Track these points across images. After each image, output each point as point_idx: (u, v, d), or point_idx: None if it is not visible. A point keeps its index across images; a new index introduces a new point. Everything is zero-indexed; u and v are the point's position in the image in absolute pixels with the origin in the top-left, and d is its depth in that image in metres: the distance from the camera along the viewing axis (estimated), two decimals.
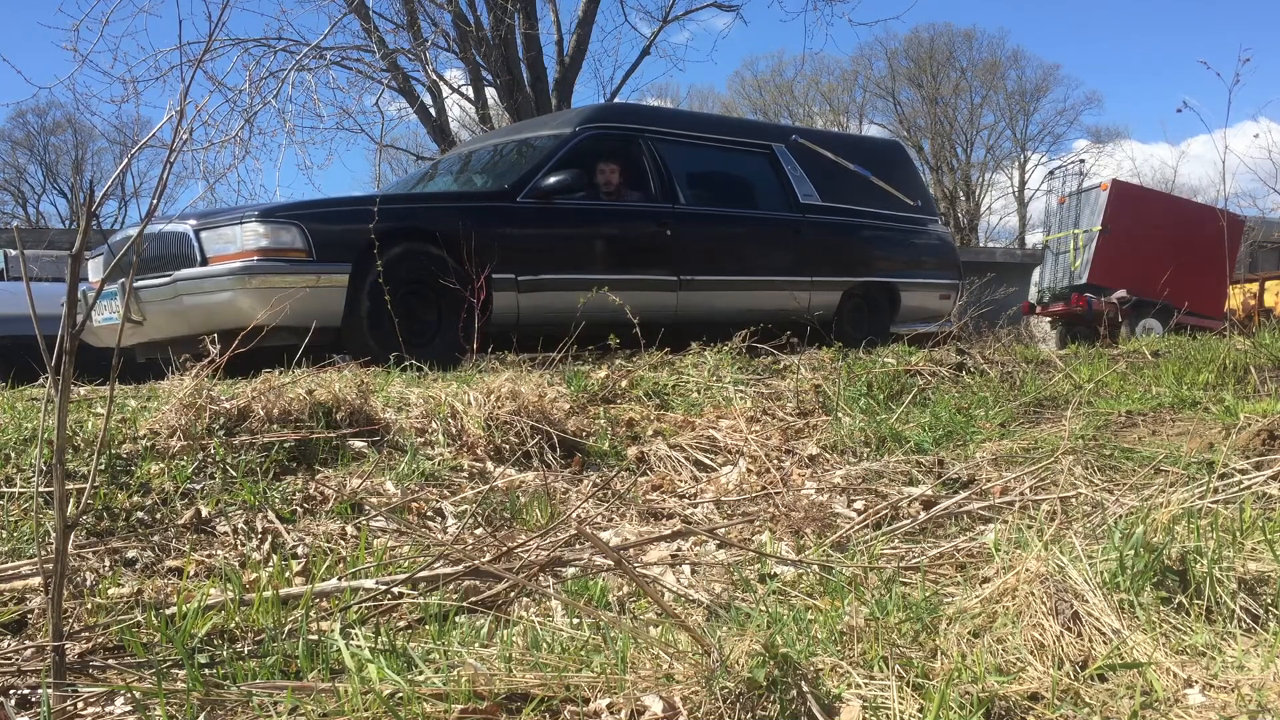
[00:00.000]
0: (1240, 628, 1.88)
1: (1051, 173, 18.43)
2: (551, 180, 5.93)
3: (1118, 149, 35.97)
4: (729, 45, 64.72)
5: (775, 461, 3.42)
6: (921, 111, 36.57)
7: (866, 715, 1.55)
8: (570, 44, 13.27)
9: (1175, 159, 62.17)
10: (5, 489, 2.57)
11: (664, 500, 3.10)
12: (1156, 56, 51.41)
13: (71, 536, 2.03)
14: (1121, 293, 13.95)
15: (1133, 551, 1.97)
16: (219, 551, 2.45)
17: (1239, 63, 7.26)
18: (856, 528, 2.70)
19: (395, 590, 2.14)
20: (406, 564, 2.38)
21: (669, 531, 2.68)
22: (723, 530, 2.73)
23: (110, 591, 2.15)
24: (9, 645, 1.90)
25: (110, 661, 1.84)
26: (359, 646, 1.80)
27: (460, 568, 2.24)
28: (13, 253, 9.83)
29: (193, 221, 5.12)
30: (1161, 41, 51.26)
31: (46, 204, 33.99)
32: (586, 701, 1.56)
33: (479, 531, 2.69)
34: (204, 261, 5.02)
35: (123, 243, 5.55)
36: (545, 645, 1.85)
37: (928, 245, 8.10)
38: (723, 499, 3.09)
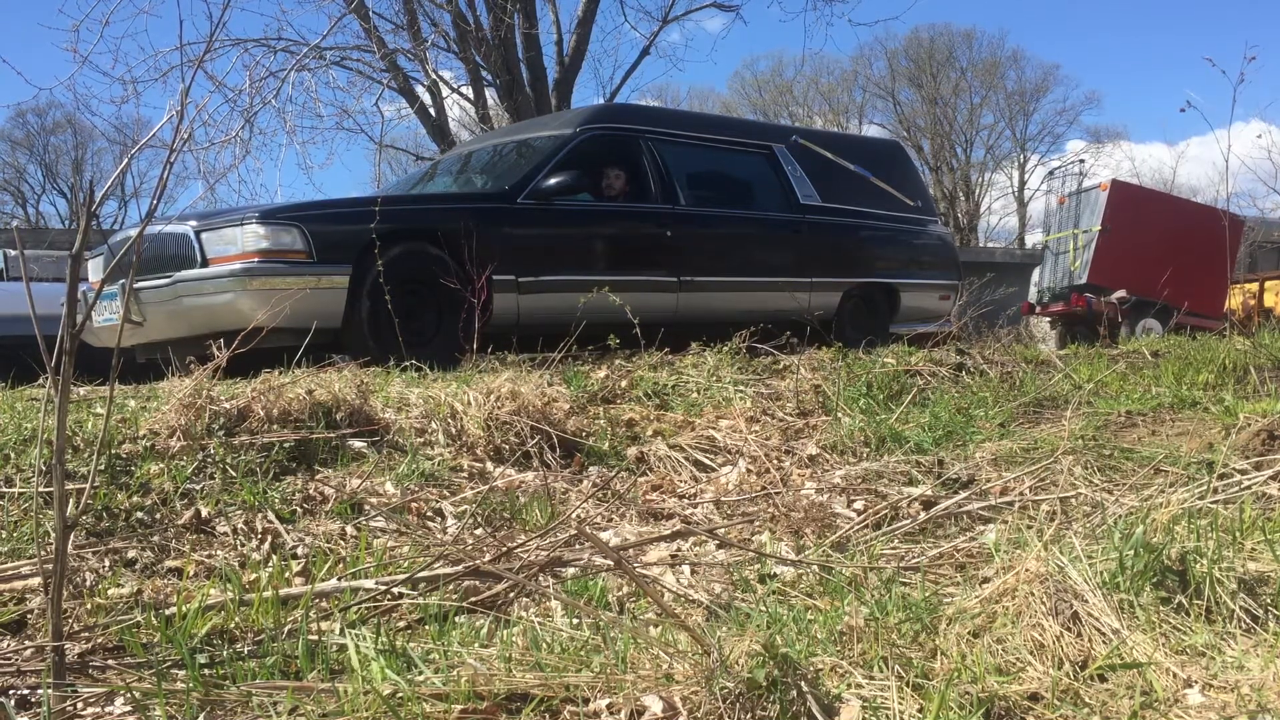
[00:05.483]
0: (1240, 628, 1.88)
1: (1051, 173, 18.44)
2: (552, 181, 5.93)
3: (1116, 149, 35.86)
4: (729, 45, 64.79)
5: (775, 461, 3.42)
6: (921, 111, 36.58)
7: (866, 715, 1.55)
8: (570, 44, 13.27)
9: (1173, 159, 62.20)
10: (5, 489, 2.57)
11: (664, 500, 3.10)
12: (1155, 56, 51.46)
13: (71, 536, 2.03)
14: (1121, 293, 13.95)
15: (1132, 551, 1.97)
16: (219, 552, 2.45)
17: (1244, 60, 7.26)
18: (856, 528, 2.70)
19: (395, 590, 2.14)
20: (406, 564, 2.38)
21: (669, 531, 2.68)
22: (722, 530, 2.73)
23: (110, 592, 2.15)
24: (9, 645, 1.90)
25: (110, 661, 1.84)
26: (360, 646, 1.80)
27: (460, 568, 2.24)
28: (13, 253, 9.84)
29: (193, 222, 5.13)
30: (1160, 41, 51.31)
31: (46, 204, 34.03)
32: (586, 701, 1.56)
33: (479, 532, 2.69)
34: (204, 263, 5.02)
35: (123, 243, 5.55)
36: (545, 645, 1.85)
37: (927, 245, 8.10)
38: (722, 499, 3.08)
